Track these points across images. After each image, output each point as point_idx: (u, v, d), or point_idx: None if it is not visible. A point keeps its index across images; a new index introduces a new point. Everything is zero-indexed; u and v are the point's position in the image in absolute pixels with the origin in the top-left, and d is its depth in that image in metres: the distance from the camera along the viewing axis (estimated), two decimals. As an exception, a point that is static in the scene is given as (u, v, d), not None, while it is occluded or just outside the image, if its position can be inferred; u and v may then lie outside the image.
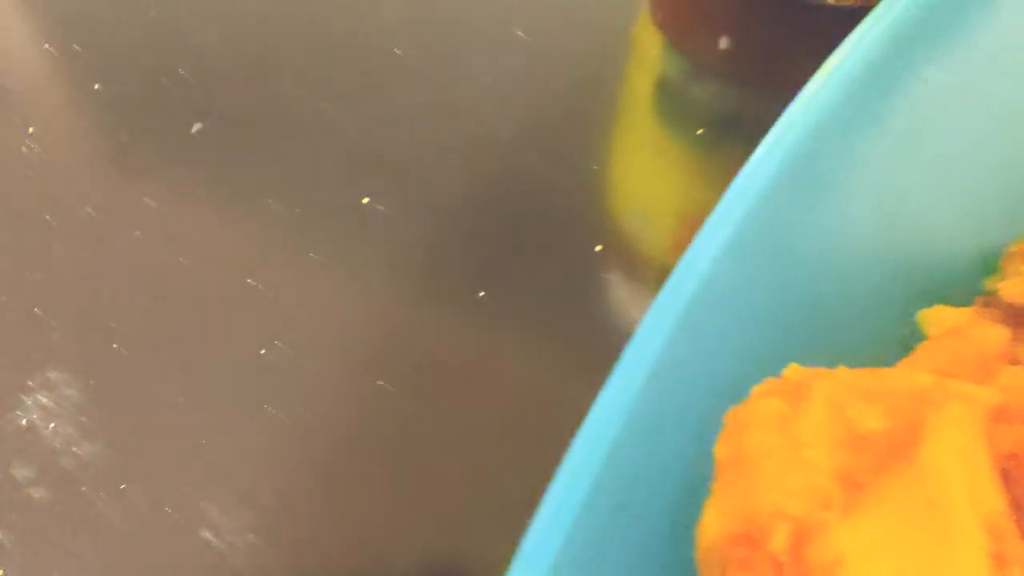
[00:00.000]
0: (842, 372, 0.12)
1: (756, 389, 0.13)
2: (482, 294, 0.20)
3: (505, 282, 0.20)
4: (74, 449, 0.18)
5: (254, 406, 0.18)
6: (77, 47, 0.24)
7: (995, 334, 0.15)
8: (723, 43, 0.26)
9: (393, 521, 0.17)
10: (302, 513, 0.17)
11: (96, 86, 0.23)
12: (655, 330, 0.14)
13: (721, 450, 0.13)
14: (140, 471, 0.18)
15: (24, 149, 0.22)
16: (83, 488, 0.18)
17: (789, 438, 0.12)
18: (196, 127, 0.22)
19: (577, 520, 0.12)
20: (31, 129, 0.22)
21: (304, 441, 0.18)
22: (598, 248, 0.21)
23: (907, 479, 0.11)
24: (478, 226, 0.21)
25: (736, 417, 0.13)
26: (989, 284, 0.18)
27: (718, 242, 0.15)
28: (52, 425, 0.18)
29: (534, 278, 0.20)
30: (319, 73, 0.23)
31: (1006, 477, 0.13)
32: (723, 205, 0.15)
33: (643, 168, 0.25)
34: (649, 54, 0.27)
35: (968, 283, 0.18)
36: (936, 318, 0.17)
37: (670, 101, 0.26)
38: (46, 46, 0.24)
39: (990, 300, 0.18)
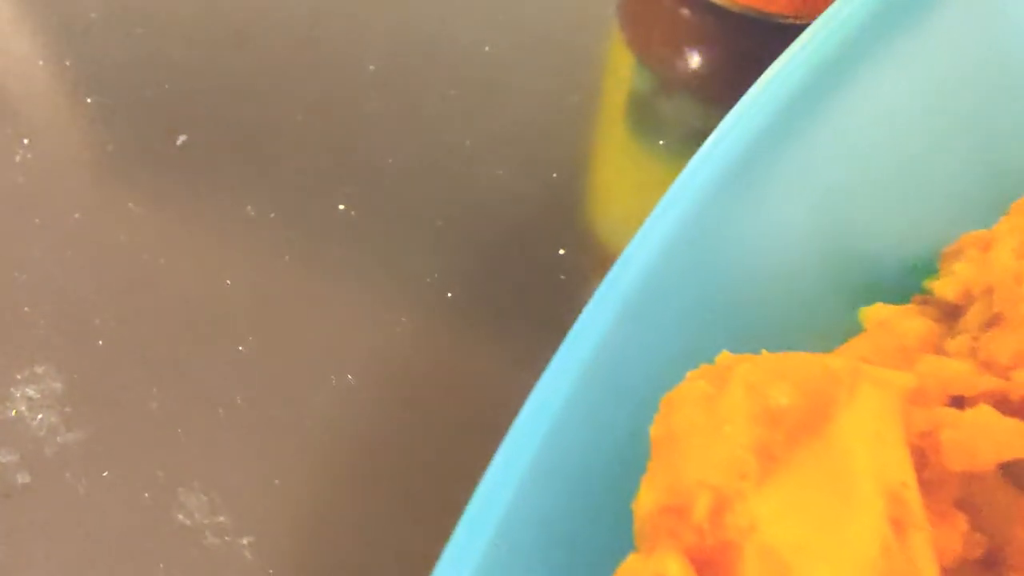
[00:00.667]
0: (763, 356, 0.13)
1: (689, 374, 0.14)
2: (450, 295, 0.21)
3: (472, 283, 0.21)
4: (58, 438, 0.19)
5: (228, 399, 0.19)
6: (69, 63, 0.25)
7: (916, 326, 0.16)
8: (689, 60, 0.27)
9: (354, 505, 0.18)
10: (268, 496, 0.18)
11: (87, 99, 0.24)
12: (593, 321, 0.15)
13: (655, 430, 0.14)
14: (120, 458, 0.19)
15: (18, 158, 0.23)
16: (66, 474, 0.18)
17: (712, 416, 0.13)
18: (181, 139, 0.23)
19: (512, 506, 0.13)
20: (25, 140, 0.24)
21: (273, 432, 0.19)
22: (561, 252, 0.22)
23: (816, 451, 0.12)
24: (446, 230, 0.22)
25: (669, 400, 0.14)
26: (927, 284, 0.19)
27: (657, 238, 0.16)
28: (39, 416, 0.19)
29: (500, 280, 0.21)
30: (297, 87, 0.24)
31: (921, 454, 0.14)
32: (663, 203, 0.16)
33: (617, 177, 0.26)
34: (622, 70, 0.28)
35: (911, 283, 0.19)
36: (874, 314, 0.18)
37: (640, 114, 0.28)
38: (40, 62, 0.25)
39: (927, 298, 0.19)
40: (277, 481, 0.18)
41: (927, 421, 0.14)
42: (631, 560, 0.13)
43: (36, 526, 0.18)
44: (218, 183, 0.23)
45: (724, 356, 0.14)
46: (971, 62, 0.21)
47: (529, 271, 0.21)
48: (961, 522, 0.13)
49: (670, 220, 0.16)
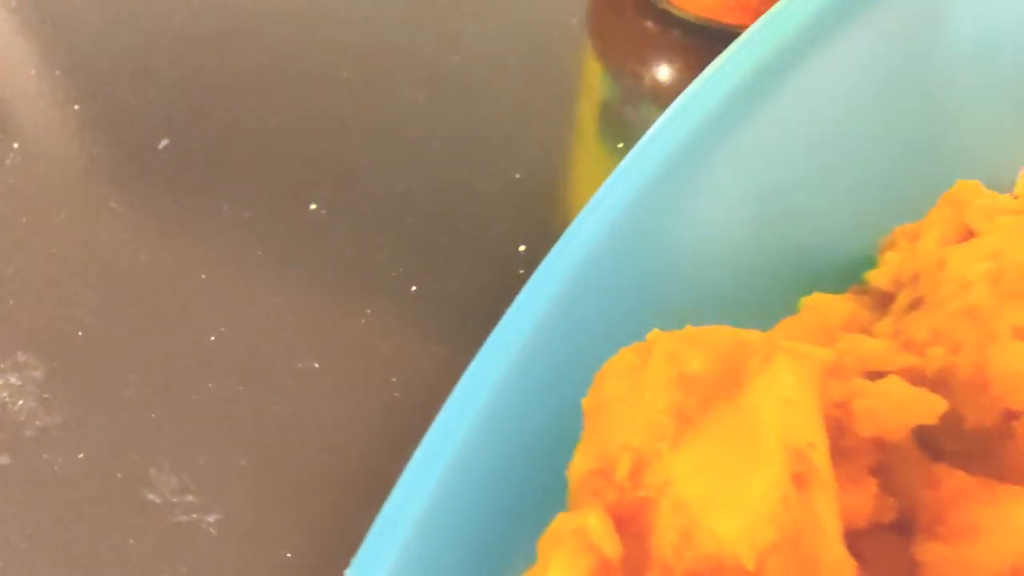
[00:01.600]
0: (684, 329, 0.14)
1: (621, 350, 0.15)
2: (414, 288, 0.22)
3: (436, 278, 0.22)
4: (37, 422, 0.20)
5: (199, 385, 0.20)
6: (58, 72, 0.26)
7: (840, 309, 0.17)
8: (653, 70, 0.29)
9: (316, 484, 0.19)
10: (234, 477, 0.19)
11: (75, 107, 0.25)
12: (530, 303, 0.16)
13: (587, 402, 0.15)
14: (95, 441, 0.20)
15: (8, 161, 0.24)
16: (44, 455, 0.19)
17: (635, 385, 0.14)
18: (163, 143, 0.25)
19: (446, 476, 0.14)
20: (15, 144, 0.25)
21: (240, 416, 0.20)
22: (521, 248, 0.23)
23: (727, 414, 0.13)
24: (412, 228, 0.23)
25: (600, 373, 0.15)
26: (865, 275, 0.20)
27: (595, 224, 0.17)
28: (20, 402, 0.20)
29: (463, 275, 0.22)
30: (273, 94, 0.25)
31: (837, 423, 0.15)
32: (600, 192, 0.17)
33: (586, 180, 0.27)
34: (591, 78, 0.29)
35: (855, 274, 0.20)
36: (812, 302, 0.19)
37: (610, 123, 0.29)
38: (32, 71, 0.26)
39: (863, 288, 0.20)
40: (243, 462, 0.19)
41: (842, 392, 0.15)
42: (558, 519, 0.14)
43: (15, 503, 0.19)
44: (196, 184, 0.24)
45: (653, 333, 0.15)
46: (905, 62, 0.22)
47: (490, 266, 0.22)
48: (872, 486, 0.14)
49: (608, 207, 0.17)
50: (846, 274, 0.20)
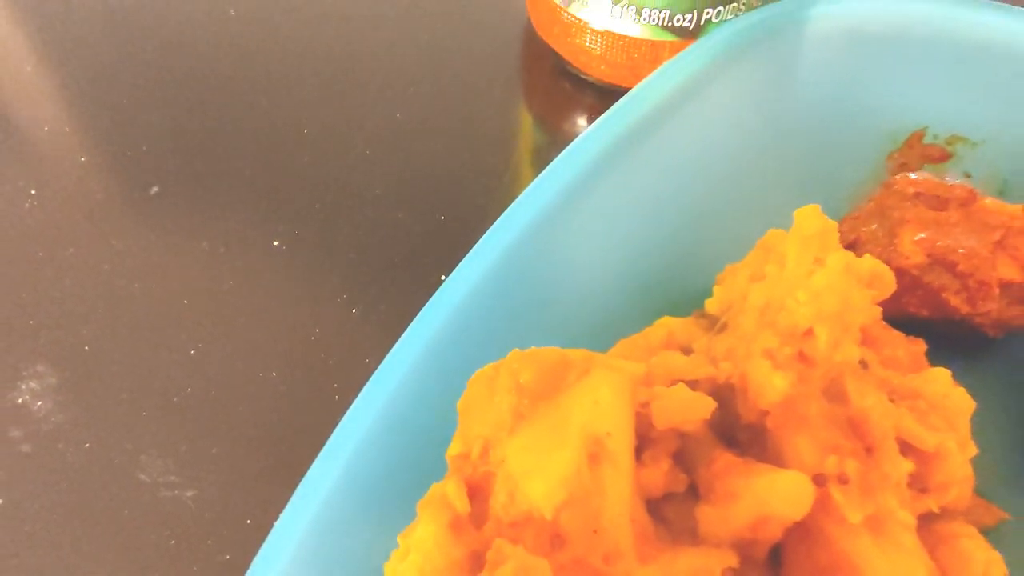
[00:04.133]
0: (528, 350, 0.19)
1: (484, 366, 0.20)
2: (354, 310, 0.27)
3: (372, 303, 0.27)
4: (52, 419, 0.25)
5: (182, 389, 0.25)
6: (67, 129, 0.31)
7: (658, 332, 0.22)
8: (571, 122, 0.34)
9: (274, 467, 0.24)
10: (208, 462, 0.24)
11: (81, 159, 0.31)
12: (422, 329, 0.21)
13: (460, 403, 0.20)
14: (98, 434, 0.25)
15: (27, 205, 0.30)
16: (58, 445, 0.25)
17: (490, 390, 0.19)
18: (153, 189, 0.30)
19: (354, 457, 0.19)
20: (33, 191, 0.30)
21: (214, 414, 0.25)
22: (442, 277, 0.28)
23: (548, 412, 0.18)
24: (355, 261, 0.28)
25: (469, 382, 0.20)
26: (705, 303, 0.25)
27: (483, 260, 0.22)
28: (38, 403, 0.25)
29: (394, 300, 0.27)
30: (245, 148, 0.31)
31: (647, 419, 0.20)
32: (494, 228, 0.22)
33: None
34: (526, 128, 0.34)
35: (698, 302, 0.25)
36: (663, 322, 0.24)
37: (539, 163, 0.34)
38: (46, 128, 0.32)
39: (702, 313, 0.25)
40: (215, 450, 0.24)
41: (647, 396, 0.20)
42: (431, 488, 0.19)
43: (35, 483, 0.24)
44: (180, 224, 0.29)
45: (513, 352, 0.20)
46: (747, 129, 0.27)
47: (416, 292, 0.27)
48: (665, 464, 0.19)
49: (498, 243, 0.22)
50: (693, 302, 0.25)
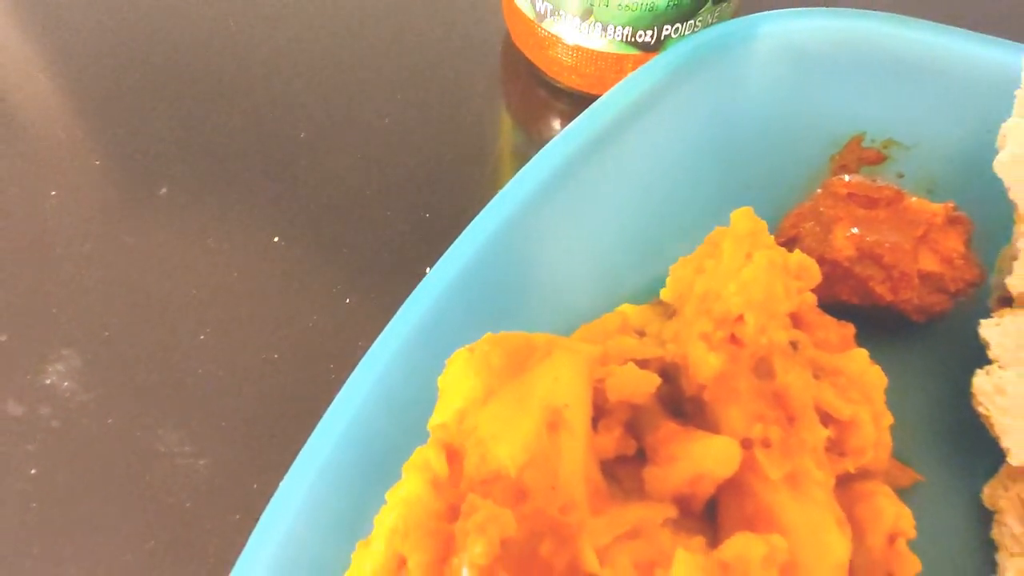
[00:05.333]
0: (498, 334, 0.22)
1: (462, 347, 0.23)
2: (348, 300, 0.30)
3: (364, 291, 0.30)
4: (78, 398, 0.28)
5: (192, 371, 0.28)
6: (81, 135, 0.34)
7: (614, 319, 0.25)
8: (547, 126, 0.36)
9: (273, 439, 0.27)
10: (218, 433, 0.27)
11: (96, 163, 0.33)
12: (408, 316, 0.24)
13: (441, 380, 0.23)
14: (120, 410, 0.28)
15: (47, 205, 0.32)
16: (84, 421, 0.28)
17: (466, 370, 0.22)
18: (163, 190, 0.33)
19: (350, 428, 0.22)
20: (53, 192, 0.33)
21: (221, 392, 0.28)
22: (427, 270, 0.31)
23: (514, 388, 0.21)
24: (347, 256, 0.31)
25: (448, 360, 0.23)
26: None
27: (462, 254, 0.25)
28: (65, 383, 0.28)
29: (383, 291, 0.30)
30: (246, 151, 0.33)
31: (602, 393, 0.23)
32: (469, 228, 0.25)
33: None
34: (506, 129, 0.37)
35: (655, 291, 0.28)
36: (623, 309, 0.27)
37: (519, 162, 0.37)
38: (63, 135, 0.34)
39: (659, 301, 0.28)
40: (224, 423, 0.27)
41: (602, 374, 0.23)
42: (415, 451, 0.22)
43: (63, 455, 0.27)
44: (188, 222, 0.32)
45: (485, 336, 0.23)
46: (702, 134, 0.30)
47: (403, 284, 0.29)
48: (617, 431, 0.22)
49: (476, 238, 0.25)
50: (652, 291, 0.28)
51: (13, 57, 0.36)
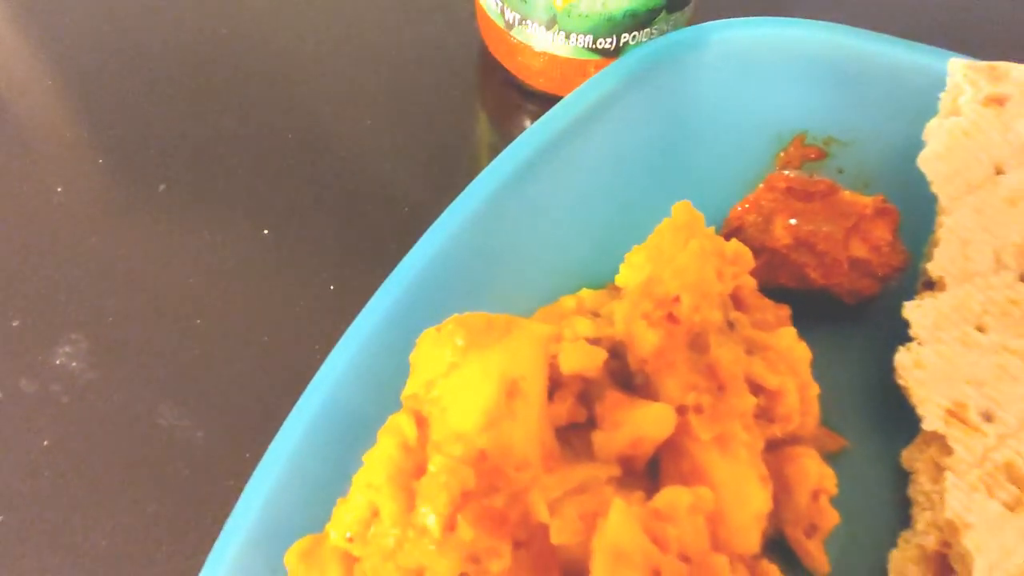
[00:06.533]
0: (463, 315, 0.25)
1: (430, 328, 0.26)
2: (332, 287, 0.33)
3: (349, 280, 0.33)
4: (86, 376, 0.31)
5: (188, 351, 0.31)
6: (85, 134, 0.37)
7: (569, 302, 0.28)
8: (519, 122, 0.39)
9: (265, 412, 0.30)
10: (214, 407, 0.30)
11: (99, 161, 0.36)
12: (382, 300, 0.27)
13: (412, 357, 0.25)
14: (124, 388, 0.30)
15: (54, 200, 0.35)
16: (91, 397, 0.30)
17: (433, 348, 0.25)
18: (161, 187, 0.35)
19: (328, 402, 0.25)
20: (59, 188, 0.35)
21: (217, 371, 0.31)
22: (406, 259, 0.33)
23: (476, 361, 0.24)
24: (332, 247, 0.34)
25: (419, 339, 0.25)
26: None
27: (429, 248, 0.28)
28: (73, 363, 0.31)
29: (365, 278, 0.33)
30: (239, 151, 0.36)
31: (554, 367, 0.25)
32: (436, 223, 0.28)
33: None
34: (483, 127, 0.40)
35: (611, 277, 0.31)
36: (581, 293, 0.30)
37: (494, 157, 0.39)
38: (67, 135, 0.37)
39: (613, 285, 0.30)
40: (218, 399, 0.30)
41: (555, 350, 0.25)
42: (389, 418, 0.24)
43: (72, 428, 0.30)
44: (185, 216, 0.34)
45: (451, 317, 0.26)
46: (658, 132, 0.32)
47: (383, 273, 0.32)
48: (570, 401, 0.25)
49: (445, 229, 0.28)
50: (609, 278, 0.31)
51: (22, 64, 0.39)
